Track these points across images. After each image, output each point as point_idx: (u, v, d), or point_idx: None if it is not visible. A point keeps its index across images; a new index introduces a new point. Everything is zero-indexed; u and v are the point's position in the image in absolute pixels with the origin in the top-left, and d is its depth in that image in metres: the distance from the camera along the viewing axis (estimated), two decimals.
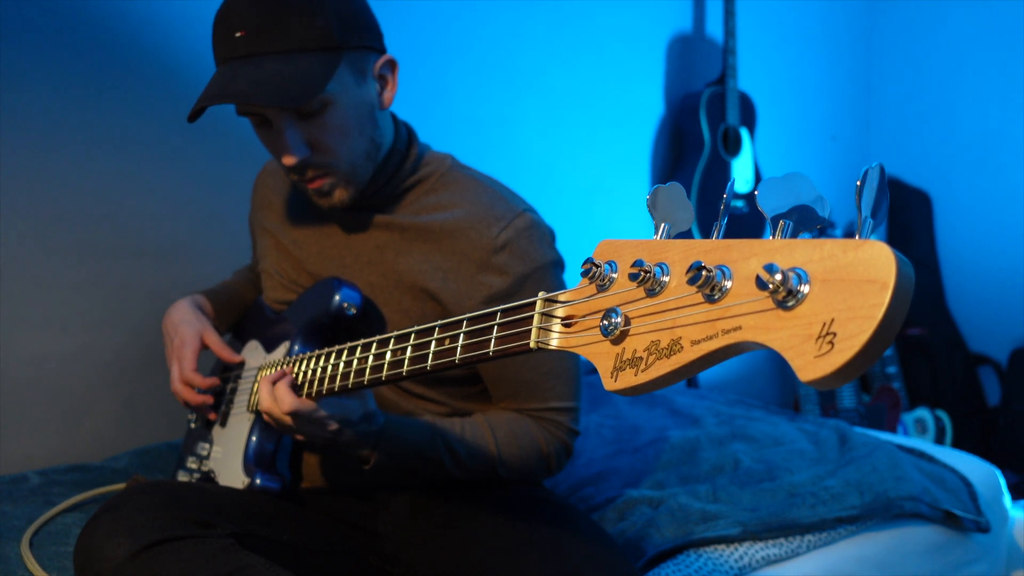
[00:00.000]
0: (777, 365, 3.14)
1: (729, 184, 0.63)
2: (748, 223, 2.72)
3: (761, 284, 0.51)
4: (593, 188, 2.58)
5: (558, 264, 1.21)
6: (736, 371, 2.95)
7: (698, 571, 1.32)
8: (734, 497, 1.54)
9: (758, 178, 2.74)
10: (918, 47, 3.17)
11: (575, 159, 2.53)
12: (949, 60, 3.08)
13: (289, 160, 1.12)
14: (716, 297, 0.55)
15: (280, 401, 1.03)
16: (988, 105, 2.97)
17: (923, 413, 2.90)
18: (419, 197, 1.24)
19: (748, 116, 2.72)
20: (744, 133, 2.70)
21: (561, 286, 1.20)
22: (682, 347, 0.57)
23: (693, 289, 0.56)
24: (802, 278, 0.50)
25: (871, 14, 3.27)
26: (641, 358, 0.59)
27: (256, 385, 1.23)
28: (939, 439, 2.85)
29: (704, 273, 0.55)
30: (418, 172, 1.25)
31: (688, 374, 0.58)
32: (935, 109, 3.13)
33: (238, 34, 1.08)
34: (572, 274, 1.26)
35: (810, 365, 0.48)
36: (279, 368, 1.12)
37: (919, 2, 3.15)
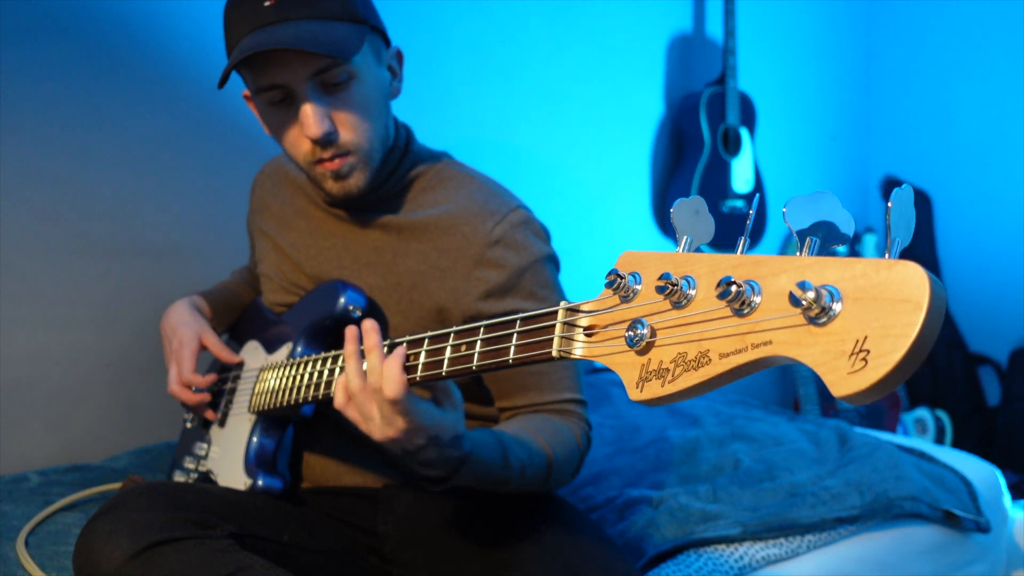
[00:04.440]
0: (777, 365, 3.14)
1: (756, 200, 0.64)
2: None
3: (795, 301, 0.52)
4: (593, 188, 2.58)
5: (554, 259, 1.21)
6: None
7: (698, 571, 1.32)
8: (734, 497, 1.54)
9: (758, 178, 2.74)
10: (918, 47, 3.17)
11: (575, 159, 2.53)
12: (949, 60, 3.08)
13: (315, 131, 1.09)
14: (745, 312, 0.56)
15: (388, 381, 0.88)
16: (988, 105, 2.97)
17: (923, 413, 2.90)
18: (415, 195, 1.24)
19: (748, 116, 2.72)
20: (744, 133, 2.70)
21: (558, 282, 1.20)
22: (710, 360, 0.57)
23: (721, 303, 0.57)
24: (834, 296, 0.51)
25: (870, 14, 3.27)
26: (668, 369, 0.60)
27: (258, 384, 1.23)
28: (939, 439, 2.85)
29: (735, 288, 0.55)
30: (414, 170, 1.25)
31: (715, 386, 0.58)
32: (935, 109, 3.13)
33: (267, 3, 1.07)
34: (570, 273, 1.26)
35: (844, 381, 0.49)
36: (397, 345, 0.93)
37: (919, 2, 3.15)
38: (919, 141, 3.19)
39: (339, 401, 0.95)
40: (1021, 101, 2.87)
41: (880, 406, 2.85)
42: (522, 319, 0.76)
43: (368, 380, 0.90)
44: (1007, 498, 1.78)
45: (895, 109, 3.26)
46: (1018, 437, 2.76)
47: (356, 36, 1.09)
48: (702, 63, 2.79)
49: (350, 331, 0.94)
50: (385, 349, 0.92)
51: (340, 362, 1.01)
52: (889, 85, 3.27)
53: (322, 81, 1.09)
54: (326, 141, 1.11)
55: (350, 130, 1.12)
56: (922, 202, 3.12)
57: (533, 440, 1.10)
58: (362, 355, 0.92)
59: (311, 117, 1.09)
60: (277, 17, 1.07)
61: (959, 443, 2.85)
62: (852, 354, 0.49)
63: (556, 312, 0.72)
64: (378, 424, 0.91)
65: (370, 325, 0.92)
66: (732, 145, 2.68)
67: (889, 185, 3.25)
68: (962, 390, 2.96)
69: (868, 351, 0.49)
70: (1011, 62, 2.88)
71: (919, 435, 2.88)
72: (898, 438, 1.97)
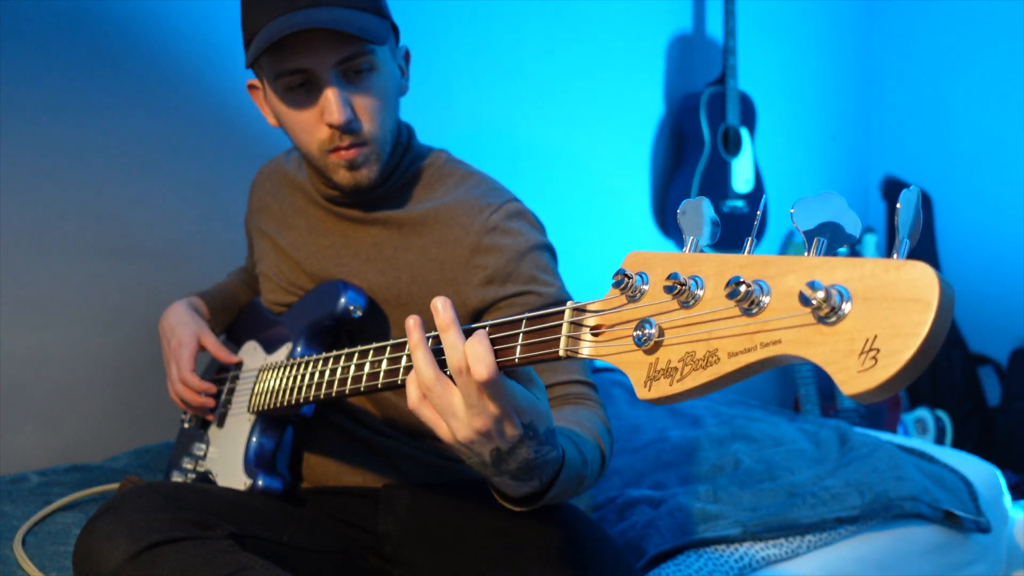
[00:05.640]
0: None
1: (763, 200, 0.65)
2: (749, 222, 2.72)
3: (804, 300, 0.52)
4: (593, 188, 2.58)
5: (550, 248, 1.22)
6: None
7: (698, 571, 1.32)
8: (734, 497, 1.54)
9: (758, 178, 2.74)
10: (918, 47, 3.17)
11: (575, 159, 2.53)
12: (949, 60, 3.08)
13: (339, 117, 1.10)
14: (754, 311, 0.56)
15: (476, 361, 0.73)
16: (988, 105, 2.97)
17: (923, 413, 2.90)
18: (416, 192, 1.25)
19: (748, 116, 2.72)
20: (744, 133, 2.70)
21: (557, 272, 1.21)
22: (719, 358, 0.58)
23: (730, 303, 0.57)
24: (843, 295, 0.52)
25: (870, 14, 3.27)
26: (676, 368, 0.60)
27: (258, 384, 1.22)
28: (939, 439, 2.85)
29: (744, 288, 0.56)
30: (415, 167, 1.26)
31: (724, 385, 0.59)
32: (935, 109, 3.13)
33: None
34: (571, 274, 1.26)
35: (853, 379, 0.50)
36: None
37: (919, 2, 3.15)
38: (919, 141, 3.19)
39: (413, 400, 0.80)
40: (1021, 101, 2.87)
41: (880, 406, 2.85)
42: (528, 319, 0.75)
43: (450, 362, 0.75)
44: (1007, 498, 1.78)
45: (895, 109, 3.26)
46: (1018, 437, 2.76)
47: (383, 27, 1.12)
48: (702, 63, 2.79)
49: (412, 321, 0.79)
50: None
51: (343, 362, 0.99)
52: (889, 85, 3.27)
53: (345, 69, 1.11)
54: (347, 128, 1.13)
55: (369, 119, 1.14)
56: (922, 202, 3.12)
57: (582, 430, 0.98)
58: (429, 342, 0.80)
59: (335, 103, 1.10)
60: (309, 2, 1.08)
61: (959, 443, 2.85)
62: (862, 353, 0.50)
63: (563, 312, 0.72)
64: (463, 417, 0.76)
65: (442, 303, 0.76)
66: (732, 145, 2.67)
67: (889, 185, 3.25)
68: (962, 390, 2.96)
69: (878, 350, 0.49)
70: (1011, 62, 2.88)
71: (919, 435, 2.87)
72: (898, 438, 1.97)
